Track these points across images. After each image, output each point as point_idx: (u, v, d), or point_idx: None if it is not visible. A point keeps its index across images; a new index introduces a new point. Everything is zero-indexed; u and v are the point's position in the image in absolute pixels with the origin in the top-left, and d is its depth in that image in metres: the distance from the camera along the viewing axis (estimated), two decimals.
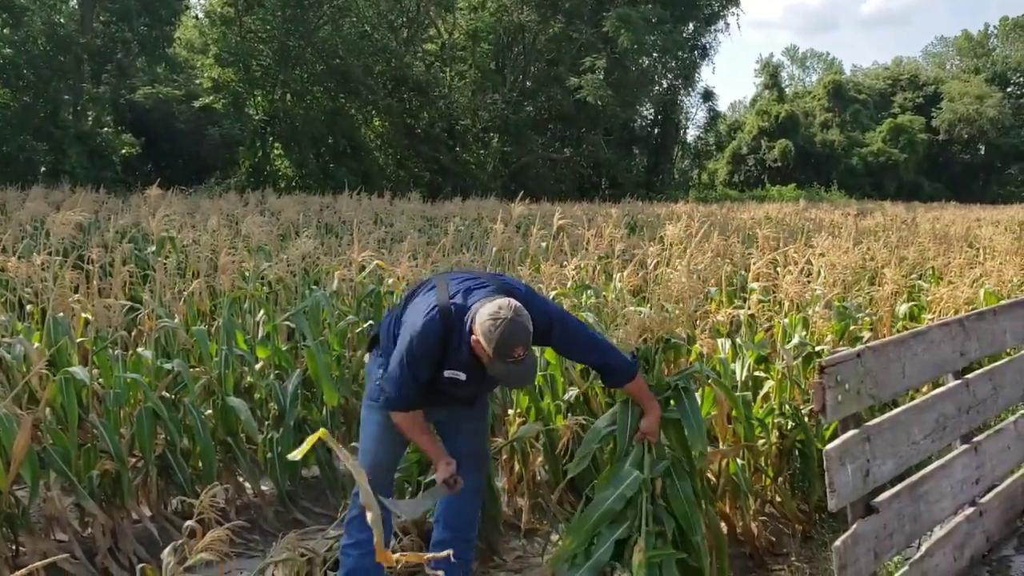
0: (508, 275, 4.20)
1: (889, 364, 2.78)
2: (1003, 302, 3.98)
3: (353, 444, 5.01)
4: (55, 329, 4.75)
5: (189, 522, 3.03)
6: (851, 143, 58.93)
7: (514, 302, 3.25)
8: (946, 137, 62.69)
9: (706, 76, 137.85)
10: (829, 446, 2.45)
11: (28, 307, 5.96)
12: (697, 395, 4.65)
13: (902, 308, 7.33)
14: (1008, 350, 4.17)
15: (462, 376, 3.41)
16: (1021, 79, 69.77)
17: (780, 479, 4.94)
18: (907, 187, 55.79)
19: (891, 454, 2.72)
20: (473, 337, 3.27)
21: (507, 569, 4.38)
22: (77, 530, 4.42)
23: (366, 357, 4.02)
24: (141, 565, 3.04)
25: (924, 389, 4.44)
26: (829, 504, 2.47)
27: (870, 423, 2.68)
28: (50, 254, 6.06)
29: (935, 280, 9.10)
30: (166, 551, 2.97)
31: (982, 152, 64.62)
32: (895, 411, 2.84)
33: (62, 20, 29.29)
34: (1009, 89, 68.02)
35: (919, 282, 8.75)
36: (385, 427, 3.65)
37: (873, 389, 2.67)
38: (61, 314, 4.93)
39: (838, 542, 2.47)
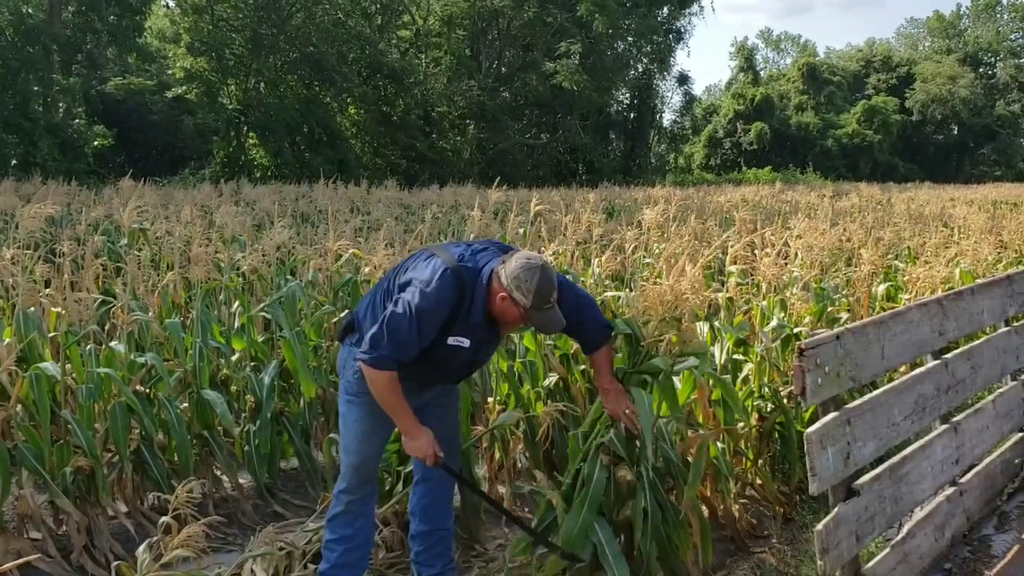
0: None
1: (869, 346, 2.76)
2: (980, 281, 3.99)
3: (332, 435, 4.98)
4: (25, 324, 4.67)
5: (165, 518, 2.99)
6: (826, 125, 59.23)
7: (534, 252, 3.34)
8: (919, 118, 63.15)
9: (681, 60, 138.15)
10: (810, 429, 2.43)
11: None
12: (676, 380, 4.66)
13: (879, 288, 7.35)
14: (986, 329, 4.18)
15: (466, 343, 3.36)
16: (992, 59, 70.32)
17: (760, 461, 4.94)
18: (882, 168, 56.15)
19: (872, 436, 2.71)
20: (500, 294, 3.26)
21: (488, 558, 4.35)
22: (51, 528, 4.36)
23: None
24: (117, 563, 3.00)
25: (902, 370, 4.44)
26: (810, 488, 2.45)
27: (850, 405, 2.67)
28: (20, 247, 5.96)
29: (911, 260, 9.14)
30: (141, 548, 2.93)
31: (955, 132, 65.18)
32: (875, 393, 2.83)
33: (30, 10, 28.85)
34: (981, 69, 68.53)
35: (895, 262, 8.80)
36: (370, 423, 3.58)
37: (853, 371, 2.66)
38: (32, 309, 4.85)
39: (820, 526, 2.46)
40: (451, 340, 3.35)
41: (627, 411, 3.55)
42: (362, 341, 3.45)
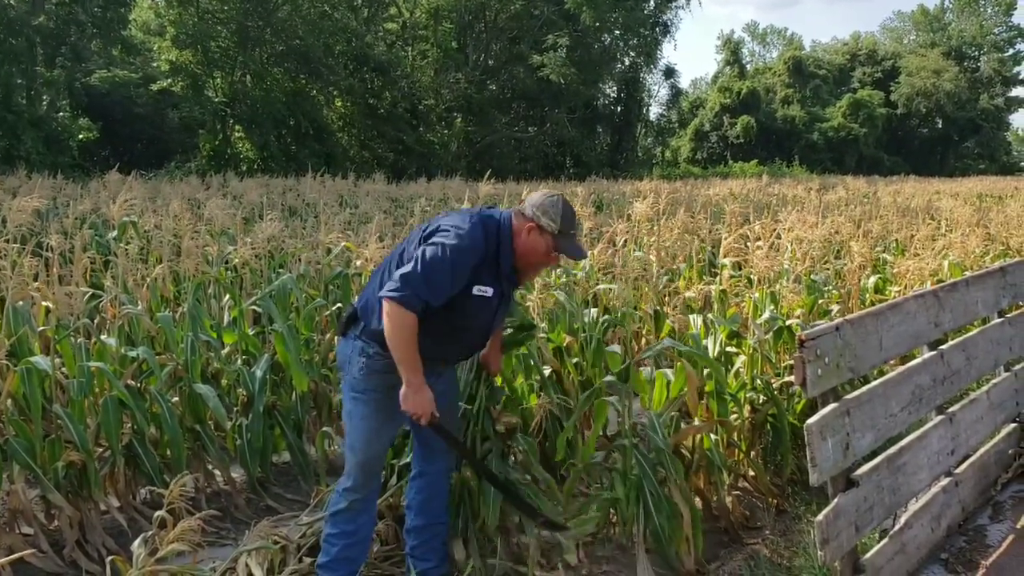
0: None
1: (867, 336, 2.77)
2: (975, 272, 4.00)
3: (324, 429, 4.97)
4: (15, 319, 4.63)
5: (159, 512, 2.97)
6: (812, 118, 59.47)
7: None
8: (904, 111, 63.50)
9: (668, 53, 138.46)
10: (810, 420, 2.43)
11: None
12: (669, 372, 4.66)
13: (869, 281, 7.38)
14: (979, 320, 4.19)
15: (490, 291, 3.38)
16: (976, 53, 70.71)
17: (753, 453, 4.95)
18: (867, 161, 56.45)
19: (870, 427, 2.71)
20: (527, 226, 3.36)
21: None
22: (43, 523, 4.32)
23: (335, 342, 3.89)
24: (111, 558, 2.98)
25: (891, 362, 4.45)
26: (811, 479, 2.46)
27: (849, 396, 2.67)
28: (8, 241, 5.91)
29: (898, 252, 9.18)
30: (136, 543, 2.91)
31: (939, 125, 65.59)
32: (873, 384, 2.84)
33: (12, 1, 28.58)
34: (965, 63, 68.93)
35: (884, 255, 8.83)
36: (376, 420, 3.53)
37: (852, 362, 2.66)
38: (21, 303, 4.81)
39: (820, 516, 2.46)
40: (476, 290, 3.37)
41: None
42: (366, 331, 3.45)
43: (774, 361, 5.19)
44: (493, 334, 3.82)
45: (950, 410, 3.38)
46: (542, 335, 5.25)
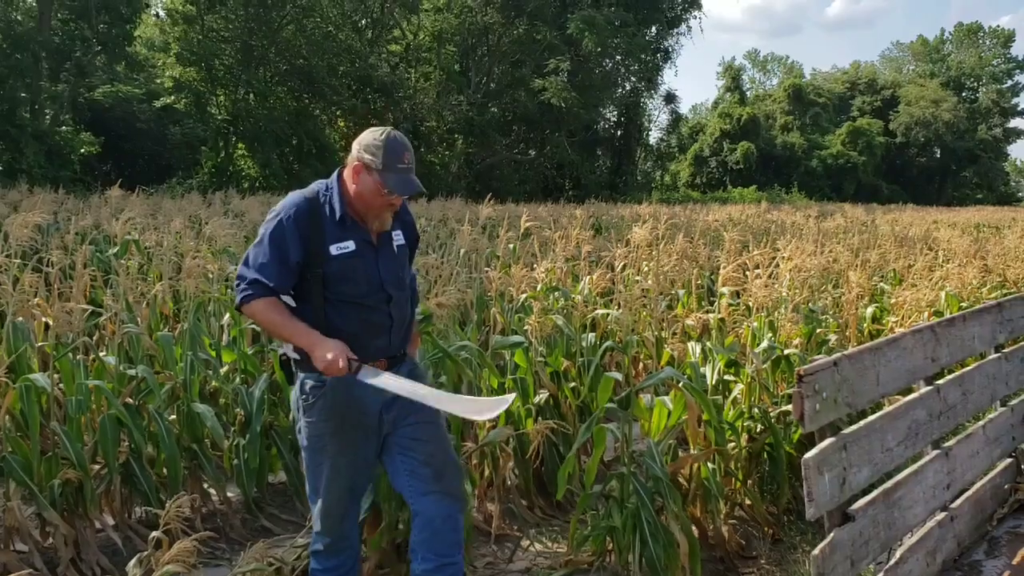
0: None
1: (864, 372, 2.78)
2: (972, 308, 4.02)
3: None
4: (15, 335, 4.65)
5: (155, 533, 2.97)
6: (811, 145, 59.75)
7: None
8: (903, 140, 63.86)
9: (668, 79, 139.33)
10: (807, 455, 2.44)
11: None
12: (668, 399, 4.67)
13: (867, 311, 7.39)
14: (976, 355, 4.20)
15: (351, 245, 3.20)
16: (975, 84, 71.22)
17: (749, 482, 4.95)
18: (865, 189, 56.64)
19: (866, 461, 2.72)
20: (354, 166, 3.22)
21: None
22: (38, 540, 4.31)
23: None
24: None
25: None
26: (807, 513, 2.46)
27: (846, 431, 2.68)
28: (9, 256, 5.92)
29: (895, 282, 9.21)
30: (132, 563, 2.92)
31: (938, 155, 65.96)
32: (870, 418, 2.85)
33: (19, 17, 28.76)
34: (964, 94, 69.45)
35: (881, 284, 8.85)
36: (327, 468, 3.31)
37: (849, 397, 2.67)
38: (21, 319, 4.82)
39: (816, 551, 2.46)
40: (335, 248, 3.19)
41: None
42: (298, 362, 3.29)
43: (772, 390, 5.20)
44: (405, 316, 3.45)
45: (946, 445, 3.39)
46: (540, 359, 5.28)
